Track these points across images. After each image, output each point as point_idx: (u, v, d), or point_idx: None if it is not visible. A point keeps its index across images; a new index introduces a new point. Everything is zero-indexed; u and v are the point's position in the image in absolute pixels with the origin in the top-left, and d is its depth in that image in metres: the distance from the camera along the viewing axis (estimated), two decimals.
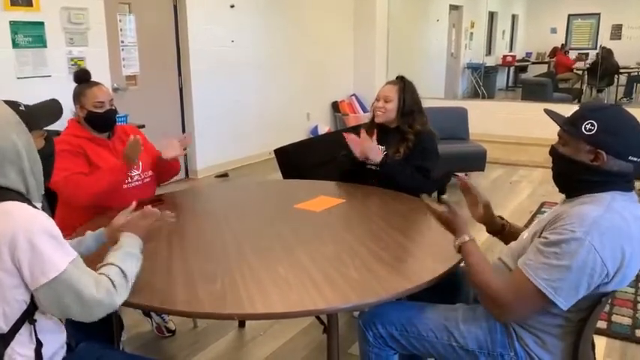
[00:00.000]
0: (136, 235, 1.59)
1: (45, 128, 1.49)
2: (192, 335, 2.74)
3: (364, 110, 8.15)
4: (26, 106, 1.44)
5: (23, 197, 1.38)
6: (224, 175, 6.13)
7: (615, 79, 9.77)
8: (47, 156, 1.48)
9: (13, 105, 1.40)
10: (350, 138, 2.66)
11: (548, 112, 1.62)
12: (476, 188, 1.90)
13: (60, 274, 1.29)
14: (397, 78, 2.79)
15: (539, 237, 1.49)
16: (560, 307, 1.43)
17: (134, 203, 1.71)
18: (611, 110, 1.50)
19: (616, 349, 2.60)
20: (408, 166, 2.61)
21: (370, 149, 2.60)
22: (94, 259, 1.51)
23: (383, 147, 2.70)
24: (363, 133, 2.66)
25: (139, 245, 1.58)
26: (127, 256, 1.50)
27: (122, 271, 1.44)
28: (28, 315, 1.35)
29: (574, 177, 1.52)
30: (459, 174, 1.70)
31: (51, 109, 1.53)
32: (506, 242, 1.89)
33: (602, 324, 2.74)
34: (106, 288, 1.37)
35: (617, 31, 10.12)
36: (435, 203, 1.76)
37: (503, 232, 1.93)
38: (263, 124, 6.86)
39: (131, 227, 1.61)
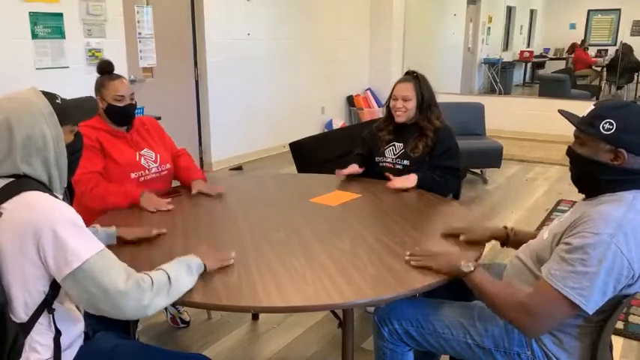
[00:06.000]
0: (201, 258, 1.57)
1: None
2: (206, 327, 2.75)
3: (379, 105, 8.12)
4: (62, 100, 1.46)
5: (45, 187, 1.39)
6: (238, 167, 6.15)
7: (635, 76, 9.61)
8: (74, 151, 1.49)
9: (51, 97, 1.43)
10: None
11: (562, 112, 1.59)
12: (468, 232, 1.90)
13: (83, 264, 1.29)
14: (409, 74, 2.72)
15: (561, 242, 1.46)
16: (586, 312, 1.40)
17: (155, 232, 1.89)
18: (628, 107, 1.47)
19: (633, 349, 2.57)
20: (437, 172, 2.57)
21: (403, 184, 2.52)
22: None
23: (401, 144, 2.69)
24: (391, 182, 2.54)
25: (200, 267, 1.55)
26: (182, 266, 1.48)
27: (167, 275, 1.41)
28: (47, 304, 1.36)
29: (594, 177, 1.49)
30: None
31: (86, 107, 1.55)
32: (516, 248, 1.88)
33: (618, 324, 2.71)
34: (137, 282, 1.34)
35: (637, 27, 9.95)
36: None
37: (507, 241, 1.91)
38: (278, 117, 6.87)
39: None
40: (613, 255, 1.35)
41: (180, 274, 1.45)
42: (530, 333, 1.50)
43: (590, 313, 1.40)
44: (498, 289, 1.52)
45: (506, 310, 1.47)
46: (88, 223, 1.74)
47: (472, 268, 1.55)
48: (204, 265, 1.57)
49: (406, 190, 2.52)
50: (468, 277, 1.55)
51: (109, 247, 1.45)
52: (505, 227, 1.96)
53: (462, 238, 1.89)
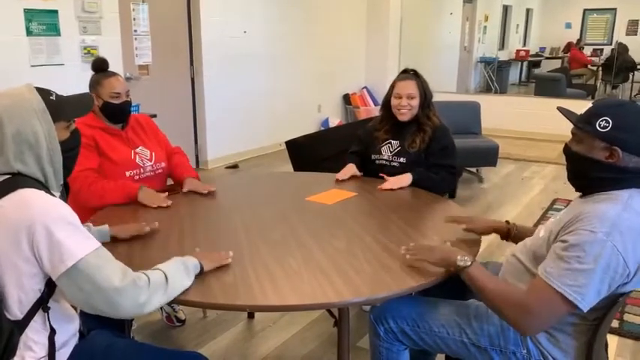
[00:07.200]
0: (198, 259, 1.56)
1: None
2: (202, 325, 2.75)
3: (375, 103, 8.12)
4: (57, 96, 1.44)
5: (41, 185, 1.38)
6: (234, 166, 6.14)
7: (630, 76, 9.65)
8: (70, 148, 1.47)
9: (44, 93, 1.41)
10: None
11: (561, 109, 1.60)
12: (471, 222, 1.92)
13: (77, 262, 1.28)
14: (408, 72, 2.72)
15: (557, 240, 1.46)
16: (581, 310, 1.39)
17: (148, 228, 1.87)
18: (625, 106, 1.47)
19: (628, 348, 2.58)
20: (433, 170, 2.58)
21: (400, 184, 2.53)
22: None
23: (397, 141, 2.68)
24: (386, 184, 2.54)
25: (197, 267, 1.54)
26: (179, 265, 1.48)
27: (165, 274, 1.41)
28: (42, 302, 1.35)
29: (589, 175, 1.49)
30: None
31: (81, 103, 1.53)
32: (516, 243, 1.88)
33: (614, 323, 2.71)
34: (133, 280, 1.33)
35: (633, 27, 9.96)
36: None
37: (509, 236, 1.93)
38: (274, 115, 6.86)
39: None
40: (609, 253, 1.35)
41: (177, 273, 1.45)
42: (525, 331, 1.48)
43: (585, 310, 1.40)
44: (495, 285, 1.50)
45: (502, 307, 1.46)
46: (82, 221, 1.74)
47: (469, 263, 1.53)
48: (201, 265, 1.56)
49: (401, 187, 2.52)
50: (464, 272, 1.53)
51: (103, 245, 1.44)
52: (507, 222, 1.97)
53: (464, 227, 1.89)
